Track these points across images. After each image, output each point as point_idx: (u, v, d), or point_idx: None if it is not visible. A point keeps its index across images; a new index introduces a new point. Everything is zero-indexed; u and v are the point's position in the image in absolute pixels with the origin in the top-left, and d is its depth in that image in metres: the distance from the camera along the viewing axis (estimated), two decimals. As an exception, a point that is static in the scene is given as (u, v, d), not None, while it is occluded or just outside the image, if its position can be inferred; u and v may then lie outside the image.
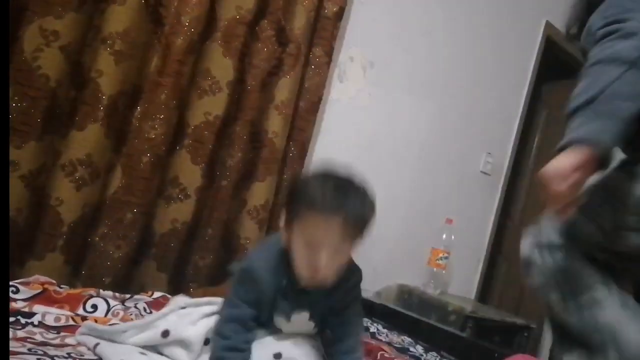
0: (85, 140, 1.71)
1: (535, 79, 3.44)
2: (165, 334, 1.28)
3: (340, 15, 2.29)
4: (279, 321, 1.29)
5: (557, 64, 3.70)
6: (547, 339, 3.56)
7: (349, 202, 1.13)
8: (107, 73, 1.72)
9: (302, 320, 1.30)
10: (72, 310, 1.44)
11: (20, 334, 1.24)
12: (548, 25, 3.39)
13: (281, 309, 1.26)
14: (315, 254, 1.13)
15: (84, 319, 1.42)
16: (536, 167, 4.01)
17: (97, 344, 1.24)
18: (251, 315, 1.23)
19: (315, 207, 1.12)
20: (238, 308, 1.23)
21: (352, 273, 1.29)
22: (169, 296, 1.69)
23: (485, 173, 3.25)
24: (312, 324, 1.32)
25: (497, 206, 3.38)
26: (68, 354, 1.18)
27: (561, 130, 4.26)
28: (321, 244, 1.13)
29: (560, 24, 3.45)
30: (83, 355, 1.20)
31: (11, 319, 1.29)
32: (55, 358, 1.13)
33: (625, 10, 1.23)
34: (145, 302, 1.67)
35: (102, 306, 1.53)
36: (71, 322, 1.38)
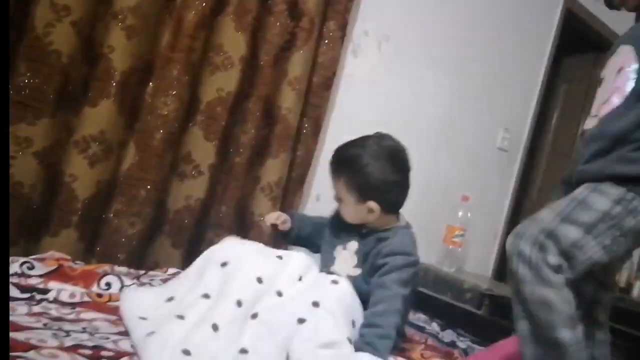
0: (98, 117, 1.71)
1: (555, 52, 3.36)
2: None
3: (354, -12, 2.25)
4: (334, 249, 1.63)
5: (576, 37, 3.62)
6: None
7: (346, 166, 1.54)
8: (118, 48, 1.71)
9: (350, 251, 1.59)
10: (86, 287, 1.45)
11: (36, 309, 1.25)
12: (568, -3, 3.31)
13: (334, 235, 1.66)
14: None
15: (99, 295, 1.43)
16: (555, 143, 3.95)
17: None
18: None
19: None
20: None
21: (389, 240, 1.54)
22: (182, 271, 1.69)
23: (502, 149, 3.20)
24: (356, 259, 1.58)
25: (514, 183, 3.34)
26: (84, 328, 1.19)
27: (580, 104, 4.18)
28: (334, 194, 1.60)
29: (580, -4, 3.37)
30: (98, 330, 1.20)
31: (26, 295, 1.31)
32: (70, 332, 1.14)
33: None
34: (161, 279, 1.68)
35: (115, 284, 1.53)
36: (86, 299, 1.39)
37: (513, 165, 3.33)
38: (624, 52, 1.42)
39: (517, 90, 3.23)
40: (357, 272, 1.57)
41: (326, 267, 1.61)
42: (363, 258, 1.57)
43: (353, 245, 1.60)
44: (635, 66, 1.37)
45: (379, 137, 1.58)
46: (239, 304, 1.25)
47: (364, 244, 1.59)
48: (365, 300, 1.45)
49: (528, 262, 1.27)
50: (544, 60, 3.32)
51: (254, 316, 1.24)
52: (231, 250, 1.42)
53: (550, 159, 3.95)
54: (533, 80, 3.32)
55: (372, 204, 1.53)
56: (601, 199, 1.29)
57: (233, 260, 1.35)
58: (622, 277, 3.33)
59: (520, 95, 3.27)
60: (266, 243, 1.63)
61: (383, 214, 1.56)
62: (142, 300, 1.33)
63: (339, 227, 1.65)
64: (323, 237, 1.70)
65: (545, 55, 3.32)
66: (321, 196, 2.41)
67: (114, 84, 1.71)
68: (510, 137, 3.22)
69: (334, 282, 1.38)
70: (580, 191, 1.33)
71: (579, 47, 3.77)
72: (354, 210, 1.57)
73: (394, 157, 1.56)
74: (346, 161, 1.54)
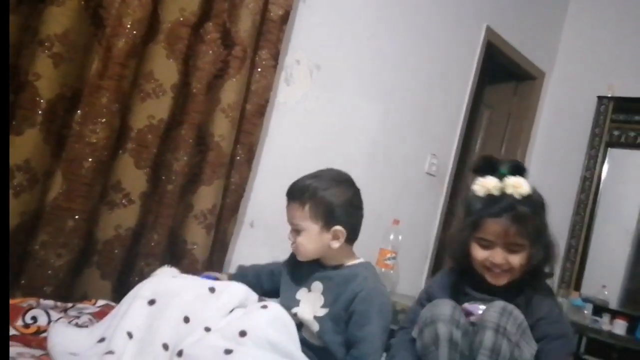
0: (23, 146, 1.65)
1: (478, 82, 3.53)
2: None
3: (285, 18, 2.29)
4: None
5: (498, 67, 3.82)
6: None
7: (310, 193, 1.51)
8: (45, 76, 1.67)
9: (316, 292, 1.55)
10: (11, 322, 1.39)
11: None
12: (489, 29, 3.49)
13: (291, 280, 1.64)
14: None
15: (26, 327, 1.39)
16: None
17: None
18: None
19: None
20: None
21: (359, 280, 1.52)
22: (113, 304, 1.64)
23: (430, 174, 3.31)
24: (322, 300, 1.53)
25: (442, 206, 3.45)
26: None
27: (502, 129, 4.39)
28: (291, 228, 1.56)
29: (500, 29, 3.56)
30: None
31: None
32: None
33: None
34: (90, 312, 1.63)
35: (42, 318, 1.48)
36: (13, 332, 1.34)
37: (441, 189, 3.44)
38: None
39: (443, 118, 3.36)
40: (324, 312, 1.53)
41: (289, 309, 1.51)
42: (332, 298, 1.53)
43: (318, 286, 1.57)
44: None
45: (325, 169, 1.60)
46: (165, 347, 1.24)
47: (330, 284, 1.55)
48: (328, 339, 1.48)
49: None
50: (467, 88, 3.48)
51: (179, 354, 1.23)
52: (160, 285, 1.38)
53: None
54: (458, 108, 3.47)
55: (339, 229, 1.53)
56: None
57: (161, 297, 1.31)
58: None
59: (447, 122, 3.40)
60: (199, 272, 1.61)
61: (344, 243, 1.56)
62: (74, 337, 1.29)
63: (298, 270, 1.62)
64: (281, 282, 1.67)
65: (469, 84, 3.48)
66: (255, 223, 2.42)
67: (40, 112, 1.66)
68: (437, 163, 3.34)
69: (264, 307, 1.36)
70: None
71: (500, 76, 3.98)
72: (316, 240, 1.53)
73: (348, 181, 1.59)
74: (307, 188, 1.52)
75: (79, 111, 1.78)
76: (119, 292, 1.88)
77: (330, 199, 1.51)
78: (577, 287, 3.54)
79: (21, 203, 1.67)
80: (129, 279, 1.93)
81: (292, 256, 1.64)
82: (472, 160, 4.13)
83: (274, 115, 2.42)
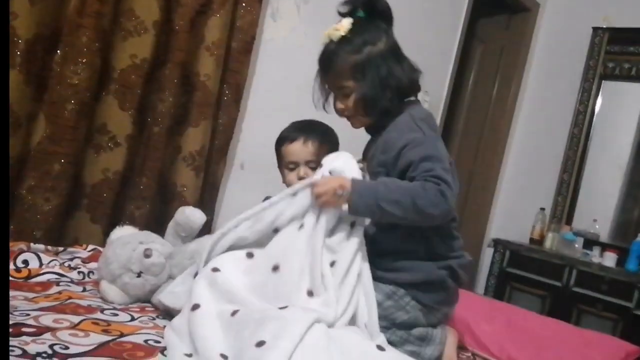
0: (2, 88, 1.61)
1: (470, 15, 3.44)
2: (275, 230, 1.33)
3: (270, -52, 2.20)
4: None
5: (491, 0, 3.72)
6: (484, 270, 3.72)
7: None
8: (22, 15, 1.61)
9: None
10: (1, 266, 1.39)
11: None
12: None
13: None
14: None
15: (17, 271, 1.40)
16: (472, 103, 4.08)
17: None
18: None
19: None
20: None
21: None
22: (101, 249, 1.64)
23: (422, 111, 3.27)
24: None
25: (435, 143, 3.43)
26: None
27: (495, 64, 4.32)
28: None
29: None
30: (17, 308, 1.17)
31: None
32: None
33: None
34: (80, 258, 1.63)
35: (33, 262, 1.49)
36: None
37: (433, 126, 3.41)
38: None
39: (436, 54, 3.29)
40: None
41: None
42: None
43: None
44: None
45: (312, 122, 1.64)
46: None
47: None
48: None
49: None
50: (459, 23, 3.40)
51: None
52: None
53: (468, 118, 4.08)
54: (450, 43, 3.39)
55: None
56: None
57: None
58: (535, 230, 3.52)
59: (439, 58, 3.34)
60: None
61: None
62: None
63: None
64: None
65: (461, 19, 3.40)
66: (245, 164, 2.39)
67: (19, 52, 1.61)
68: (430, 100, 3.29)
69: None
70: None
71: (493, 9, 3.88)
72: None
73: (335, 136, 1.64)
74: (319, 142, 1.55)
75: (58, 51, 1.73)
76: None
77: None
78: (569, 222, 3.57)
79: (4, 147, 1.63)
80: (118, 222, 1.92)
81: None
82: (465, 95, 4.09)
83: (261, 53, 2.36)
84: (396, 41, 1.46)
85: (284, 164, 1.57)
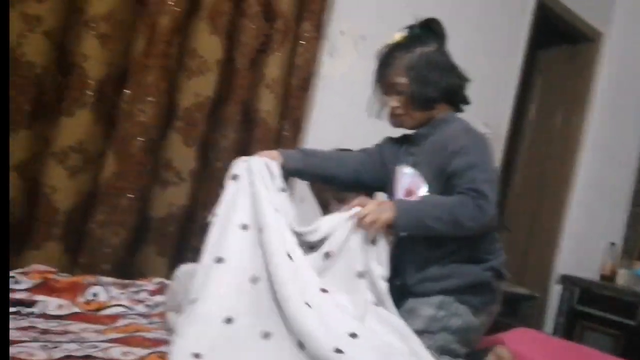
0: (75, 127, 1.69)
1: (530, 46, 3.39)
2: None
3: (328, -12, 2.25)
4: None
5: (551, 30, 3.65)
6: (552, 308, 3.56)
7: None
8: (92, 57, 1.70)
9: None
10: (72, 299, 1.43)
11: (23, 323, 1.23)
12: (540, -10, 3.34)
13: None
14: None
15: (87, 303, 1.43)
16: (535, 135, 3.99)
17: None
18: None
19: None
20: None
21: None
22: (167, 282, 1.67)
23: (483, 143, 3.21)
24: None
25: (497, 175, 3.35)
26: (71, 340, 1.17)
27: (557, 95, 4.18)
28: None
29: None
30: (87, 339, 1.19)
31: (12, 310, 1.29)
32: (58, 344, 1.13)
33: None
34: (147, 290, 1.66)
35: (102, 295, 1.52)
36: (75, 310, 1.38)
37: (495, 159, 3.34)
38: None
39: (494, 86, 3.25)
40: None
41: None
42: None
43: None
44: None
45: None
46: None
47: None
48: None
49: None
50: (519, 53, 3.35)
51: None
52: None
53: (531, 150, 3.99)
54: (510, 75, 3.34)
55: None
56: None
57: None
58: (606, 266, 3.36)
59: (498, 90, 3.29)
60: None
61: None
62: None
63: None
64: None
65: (520, 49, 3.35)
66: (305, 199, 2.40)
67: (89, 92, 1.69)
68: (490, 132, 3.23)
69: None
70: None
71: (554, 39, 3.81)
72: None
73: None
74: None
75: (126, 91, 1.80)
76: (176, 268, 1.91)
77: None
78: (641, 257, 3.40)
79: (76, 183, 1.71)
80: (184, 256, 1.95)
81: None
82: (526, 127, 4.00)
83: (320, 89, 2.39)
84: (448, 50, 1.58)
85: None
